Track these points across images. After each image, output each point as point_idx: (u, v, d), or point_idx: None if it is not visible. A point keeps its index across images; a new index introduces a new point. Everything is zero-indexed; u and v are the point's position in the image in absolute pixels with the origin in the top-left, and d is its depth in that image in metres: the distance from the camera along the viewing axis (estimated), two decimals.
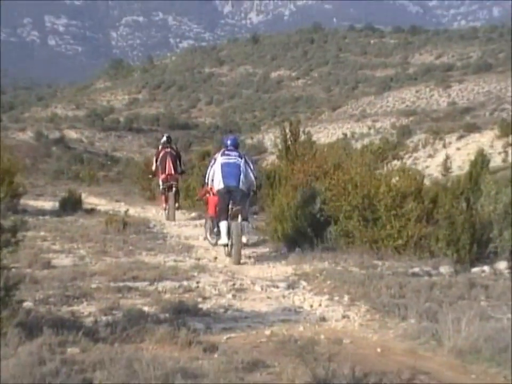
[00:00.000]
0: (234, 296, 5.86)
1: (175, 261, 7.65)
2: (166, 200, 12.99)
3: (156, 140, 13.06)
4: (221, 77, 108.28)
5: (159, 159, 13.23)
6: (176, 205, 12.91)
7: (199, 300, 5.62)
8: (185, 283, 6.23)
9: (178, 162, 13.29)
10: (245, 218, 8.15)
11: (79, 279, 6.16)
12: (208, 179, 8.48)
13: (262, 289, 6.19)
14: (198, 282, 6.30)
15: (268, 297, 5.88)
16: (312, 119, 74.61)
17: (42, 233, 9.42)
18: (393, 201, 7.76)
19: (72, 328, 4.22)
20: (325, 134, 61.56)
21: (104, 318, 4.82)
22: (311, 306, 5.58)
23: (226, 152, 8.46)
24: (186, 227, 11.41)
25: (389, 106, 73.61)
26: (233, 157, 8.37)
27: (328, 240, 8.22)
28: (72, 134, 66.88)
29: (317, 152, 12.13)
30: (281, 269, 7.32)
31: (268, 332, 4.66)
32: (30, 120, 70.01)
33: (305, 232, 8.35)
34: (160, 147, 13.58)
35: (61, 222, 10.93)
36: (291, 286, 6.33)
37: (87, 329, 4.31)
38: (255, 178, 8.46)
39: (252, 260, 8.06)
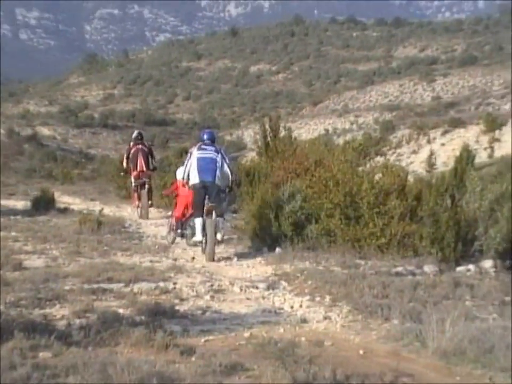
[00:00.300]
0: (212, 297, 5.76)
1: (151, 261, 7.54)
2: (139, 198, 12.81)
3: (131, 137, 13.08)
4: (199, 71, 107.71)
5: (130, 156, 13.05)
6: (150, 202, 12.74)
7: (176, 301, 5.53)
8: (161, 284, 6.11)
9: (150, 158, 13.13)
10: (219, 215, 8.04)
11: (51, 281, 6.05)
12: (184, 173, 8.36)
13: (241, 290, 6.10)
14: (175, 284, 6.20)
15: (247, 298, 5.79)
16: (293, 114, 74.59)
17: (13, 234, 9.31)
18: (376, 198, 7.70)
19: (44, 332, 4.15)
20: (306, 129, 61.50)
21: (77, 321, 4.72)
22: (292, 307, 5.49)
23: (202, 146, 8.37)
24: (163, 226, 11.23)
25: (372, 101, 73.54)
26: (209, 152, 8.28)
27: (309, 239, 8.13)
28: (45, 131, 65.97)
29: (298, 149, 12.06)
30: (261, 269, 7.23)
31: (247, 334, 4.59)
32: (1, 117, 68.69)
33: (286, 231, 8.25)
34: (131, 143, 13.41)
35: (33, 222, 10.84)
36: (271, 286, 6.23)
37: (59, 333, 4.22)
38: (231, 173, 8.35)
39: (231, 259, 7.94)
